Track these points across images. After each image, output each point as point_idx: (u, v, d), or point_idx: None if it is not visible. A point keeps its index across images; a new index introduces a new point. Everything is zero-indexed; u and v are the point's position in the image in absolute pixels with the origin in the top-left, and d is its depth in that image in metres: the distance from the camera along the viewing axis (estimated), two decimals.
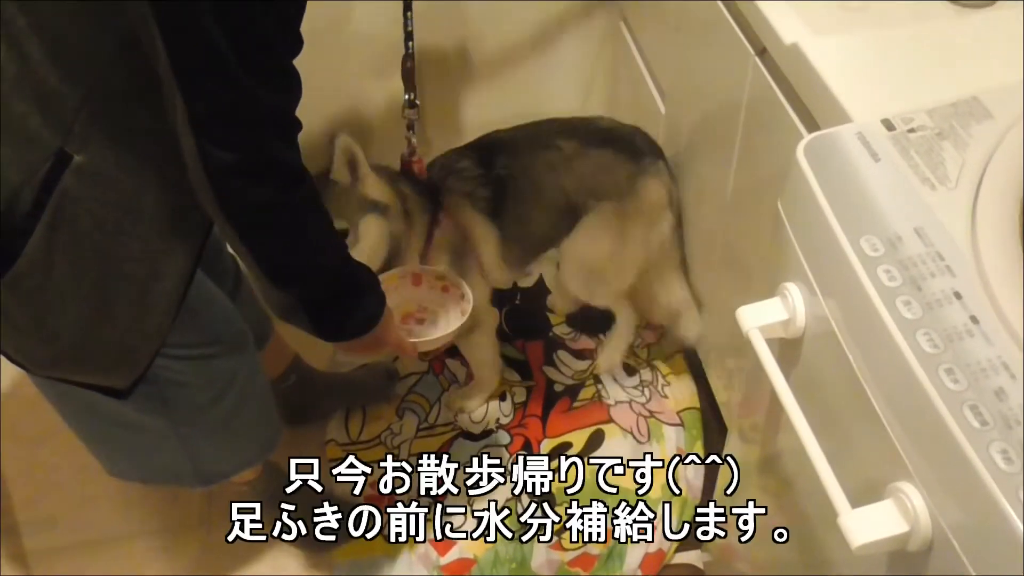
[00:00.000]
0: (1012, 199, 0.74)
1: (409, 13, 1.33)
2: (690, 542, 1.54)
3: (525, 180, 1.49)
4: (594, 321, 1.87)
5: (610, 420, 1.72)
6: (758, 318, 0.85)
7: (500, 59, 1.94)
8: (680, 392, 1.78)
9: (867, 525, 0.68)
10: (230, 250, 1.48)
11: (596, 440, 1.69)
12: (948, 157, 0.78)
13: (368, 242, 1.34)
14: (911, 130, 0.81)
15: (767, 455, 1.05)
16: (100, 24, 0.85)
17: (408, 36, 1.34)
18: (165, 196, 0.96)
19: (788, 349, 0.88)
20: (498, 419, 1.74)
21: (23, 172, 0.85)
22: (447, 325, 1.36)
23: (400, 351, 1.25)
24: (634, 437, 1.69)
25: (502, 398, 1.77)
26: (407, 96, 1.37)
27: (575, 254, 1.58)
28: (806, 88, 1.00)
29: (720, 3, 1.25)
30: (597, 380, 1.79)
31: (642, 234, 1.55)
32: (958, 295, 0.69)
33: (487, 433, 1.71)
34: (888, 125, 0.82)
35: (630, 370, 1.81)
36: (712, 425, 1.71)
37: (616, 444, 1.68)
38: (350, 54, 1.77)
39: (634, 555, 1.53)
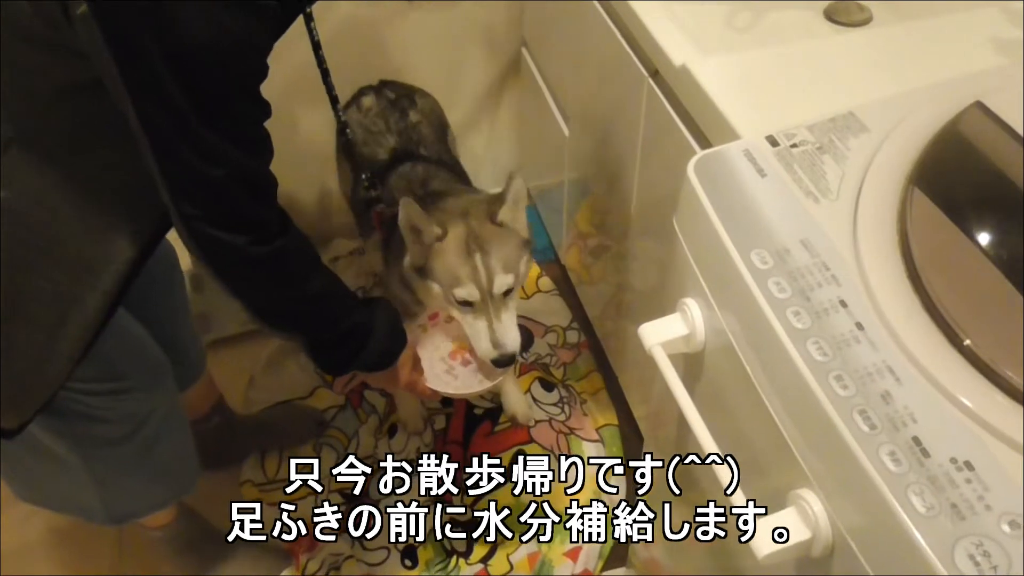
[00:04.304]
0: (889, 208, 0.77)
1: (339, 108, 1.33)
2: (615, 560, 1.55)
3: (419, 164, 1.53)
4: None
5: (531, 440, 1.72)
6: (659, 334, 0.86)
7: None
8: (598, 409, 1.79)
9: (771, 535, 0.70)
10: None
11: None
12: (829, 170, 0.81)
13: (524, 279, 1.32)
14: (794, 145, 0.84)
15: (682, 467, 1.07)
16: (40, 72, 0.84)
17: (343, 126, 1.35)
18: (87, 244, 0.95)
19: (691, 363, 0.90)
20: (418, 448, 1.72)
21: None
22: (485, 378, 1.29)
23: (413, 393, 1.28)
24: (554, 456, 1.69)
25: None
26: (364, 176, 1.36)
27: None
28: (696, 107, 1.03)
29: (614, 27, 1.27)
30: None
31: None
32: (844, 303, 0.71)
33: None
34: (772, 141, 0.84)
35: (548, 386, 1.82)
36: (632, 441, 1.73)
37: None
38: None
39: None
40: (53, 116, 0.88)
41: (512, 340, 1.23)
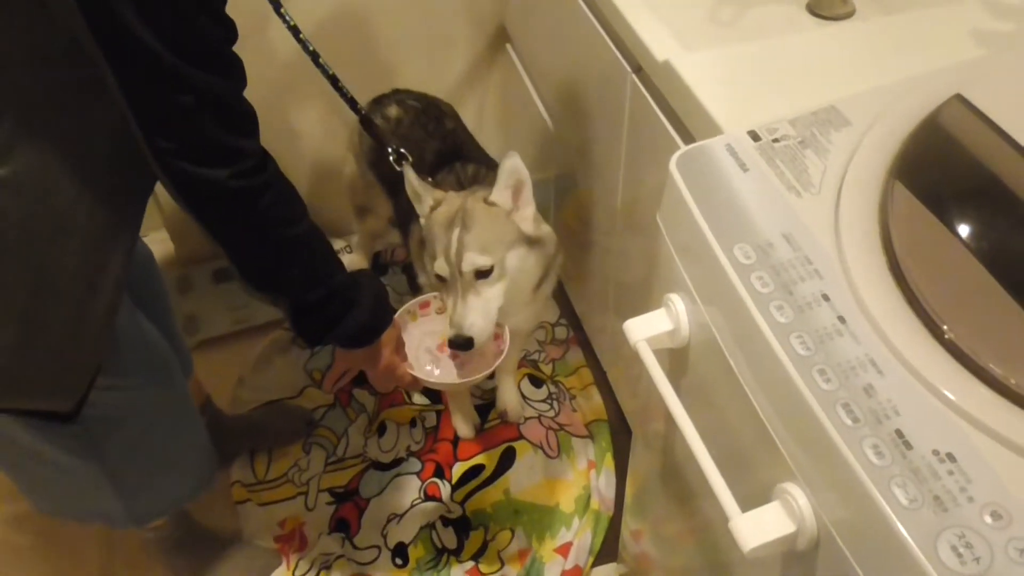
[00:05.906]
0: (871, 201, 0.77)
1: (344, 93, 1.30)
2: (605, 556, 1.55)
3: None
4: None
5: (520, 437, 1.72)
6: (644, 330, 0.86)
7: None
8: (588, 404, 1.79)
9: (756, 528, 0.70)
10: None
11: (508, 458, 1.69)
12: (811, 164, 0.81)
13: (512, 278, 1.27)
14: (776, 140, 0.84)
15: (669, 462, 1.07)
16: (8, 35, 0.82)
17: (353, 103, 1.31)
18: (99, 207, 0.93)
19: (676, 358, 0.90)
20: (408, 446, 1.72)
21: None
22: (472, 370, 1.25)
23: (391, 379, 1.20)
24: (544, 452, 1.69)
25: (412, 424, 1.75)
26: (390, 148, 1.32)
27: None
28: (680, 103, 1.03)
29: (597, 24, 1.27)
30: None
31: None
32: (826, 297, 0.71)
33: (397, 462, 1.69)
34: (754, 136, 0.84)
35: (536, 382, 1.82)
36: (622, 436, 1.73)
37: (528, 460, 1.68)
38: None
39: (551, 573, 1.53)
40: (36, 79, 0.85)
41: (470, 325, 1.19)
